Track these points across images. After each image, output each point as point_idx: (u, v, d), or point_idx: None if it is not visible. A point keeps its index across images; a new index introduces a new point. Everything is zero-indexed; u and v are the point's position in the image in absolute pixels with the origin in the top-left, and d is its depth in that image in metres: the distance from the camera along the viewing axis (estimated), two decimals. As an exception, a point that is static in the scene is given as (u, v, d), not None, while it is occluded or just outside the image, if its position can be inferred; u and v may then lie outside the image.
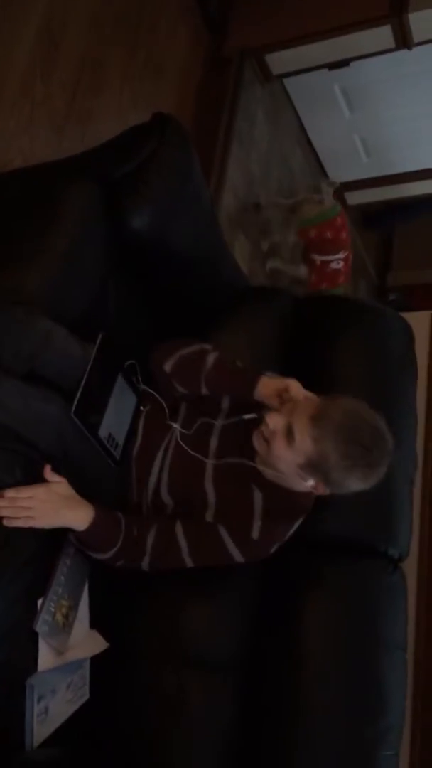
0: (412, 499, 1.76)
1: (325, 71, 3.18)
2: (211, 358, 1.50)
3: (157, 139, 1.57)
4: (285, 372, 1.78)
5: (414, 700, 1.76)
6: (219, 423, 1.52)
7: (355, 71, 3.16)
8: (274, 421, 1.36)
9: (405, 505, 1.72)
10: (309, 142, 3.67)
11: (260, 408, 1.48)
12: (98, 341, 1.41)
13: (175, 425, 1.52)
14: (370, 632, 1.54)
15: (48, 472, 1.33)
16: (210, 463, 1.47)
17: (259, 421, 1.45)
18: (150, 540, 1.42)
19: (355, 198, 4.05)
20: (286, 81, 3.32)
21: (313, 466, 1.33)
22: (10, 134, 2.08)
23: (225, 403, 1.55)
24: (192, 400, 1.57)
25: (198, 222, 1.67)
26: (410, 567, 1.78)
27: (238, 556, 1.43)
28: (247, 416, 1.48)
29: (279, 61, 3.06)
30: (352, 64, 3.10)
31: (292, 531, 1.48)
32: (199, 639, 1.50)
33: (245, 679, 1.50)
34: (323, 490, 1.38)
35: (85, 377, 1.37)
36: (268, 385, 1.45)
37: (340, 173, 3.84)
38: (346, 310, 1.97)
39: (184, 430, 1.51)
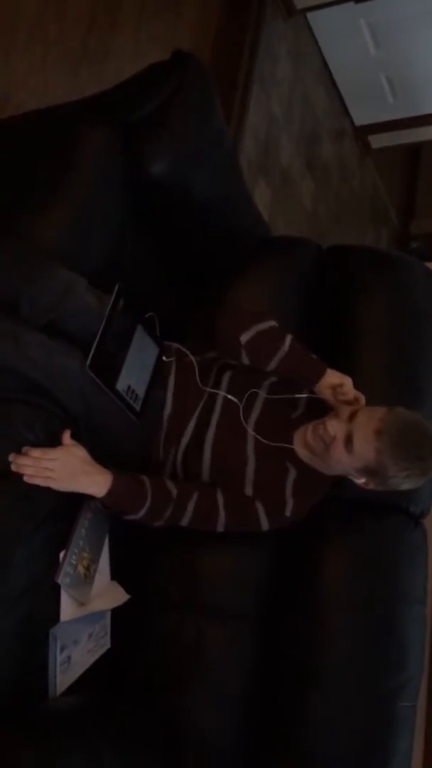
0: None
1: (350, 5, 3.04)
2: (287, 341, 1.51)
3: (178, 79, 1.49)
4: (308, 324, 1.75)
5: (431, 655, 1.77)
6: (262, 394, 1.54)
7: (382, 5, 3.02)
8: (335, 428, 1.40)
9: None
10: (333, 81, 3.52)
11: (299, 388, 1.52)
12: (114, 292, 1.37)
13: (222, 393, 1.52)
14: (390, 586, 1.53)
15: (67, 437, 1.33)
16: (253, 435, 1.49)
17: (297, 402, 1.52)
18: (191, 504, 1.44)
19: (379, 141, 3.91)
20: (310, 16, 3.17)
21: (370, 472, 1.40)
22: (23, 75, 2.00)
23: (271, 378, 1.56)
24: (237, 367, 1.56)
25: (219, 167, 1.60)
26: (431, 522, 1.77)
27: (265, 526, 1.48)
28: (298, 395, 1.53)
29: (303, -7, 2.92)
30: (379, -4, 2.96)
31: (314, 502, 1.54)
32: (219, 590, 1.52)
33: (264, 629, 1.52)
34: (374, 487, 1.44)
35: (100, 330, 1.34)
36: (328, 377, 1.49)
37: (364, 114, 3.70)
38: (371, 260, 1.90)
39: (234, 399, 1.51)
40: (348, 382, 1.49)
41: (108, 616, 1.49)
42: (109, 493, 1.35)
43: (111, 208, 1.48)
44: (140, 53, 2.38)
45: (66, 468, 1.29)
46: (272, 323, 1.54)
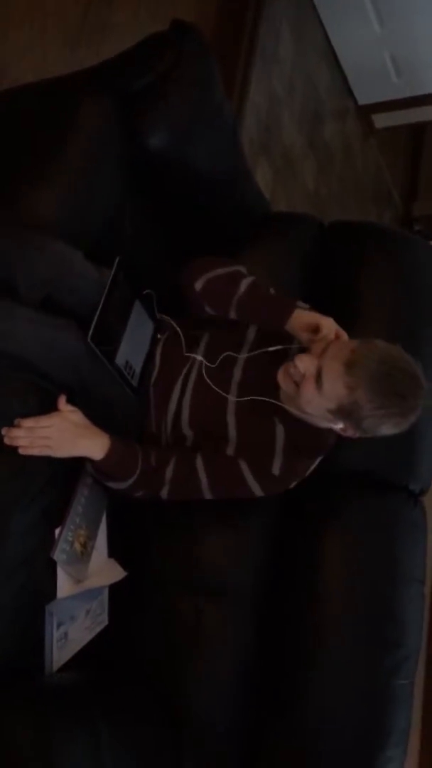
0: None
1: (355, -19, 2.98)
2: (245, 282, 1.42)
3: (177, 50, 1.47)
4: (308, 300, 1.73)
5: (430, 632, 1.77)
6: (243, 356, 1.46)
7: (387, -20, 2.96)
8: (305, 364, 1.28)
9: (427, 439, 1.68)
10: (336, 59, 3.46)
11: (288, 340, 1.43)
12: (115, 265, 1.36)
13: (198, 357, 1.47)
14: (389, 565, 1.53)
15: (62, 402, 1.31)
16: (232, 399, 1.43)
17: (284, 355, 1.40)
18: (169, 472, 1.40)
19: (383, 121, 3.85)
20: (313, -9, 3.11)
21: (344, 413, 1.27)
22: (21, 48, 1.97)
23: (251, 335, 1.48)
24: (215, 329, 1.52)
25: (219, 140, 1.58)
26: (430, 501, 1.76)
27: (257, 490, 1.41)
28: (271, 348, 1.41)
29: (306, -32, 2.86)
30: (384, -28, 2.90)
31: (313, 467, 1.46)
32: (218, 568, 1.51)
33: (264, 608, 1.51)
34: (353, 434, 1.33)
35: (101, 302, 1.32)
36: (300, 318, 1.37)
37: (368, 93, 3.64)
38: (373, 237, 1.88)
39: (207, 363, 1.46)
40: (326, 323, 1.34)
41: (106, 593, 1.48)
42: (107, 456, 1.33)
43: (109, 180, 1.46)
44: (140, 28, 2.33)
45: (63, 433, 1.27)
46: (233, 268, 1.44)
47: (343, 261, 1.78)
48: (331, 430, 1.39)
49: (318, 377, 1.26)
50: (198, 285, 1.44)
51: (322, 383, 1.25)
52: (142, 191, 1.58)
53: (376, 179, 4.10)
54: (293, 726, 1.43)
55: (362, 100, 3.72)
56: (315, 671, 1.44)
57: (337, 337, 1.35)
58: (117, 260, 1.36)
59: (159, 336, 1.54)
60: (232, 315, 1.43)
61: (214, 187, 1.61)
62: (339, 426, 1.33)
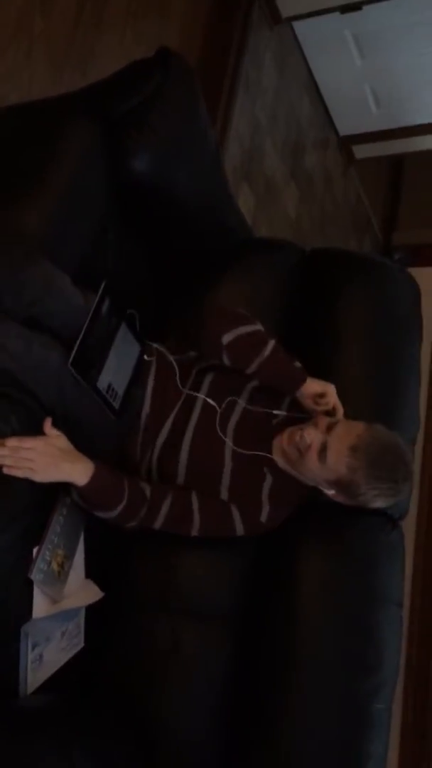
0: (413, 457, 1.74)
1: (336, 15, 3.06)
2: (269, 346, 1.51)
3: (161, 76, 1.49)
4: (289, 326, 1.75)
5: (408, 656, 1.77)
6: (242, 402, 1.53)
7: (368, 16, 3.04)
8: (312, 437, 1.39)
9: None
10: (318, 90, 3.55)
11: (281, 397, 1.53)
12: (100, 290, 1.36)
13: (202, 396, 1.51)
14: (367, 588, 1.53)
15: (48, 426, 1.31)
16: (229, 443, 1.48)
17: (284, 422, 1.50)
18: (165, 507, 1.43)
19: (363, 152, 3.94)
20: (296, 24, 3.19)
21: (341, 486, 1.39)
22: (7, 69, 1.99)
23: (250, 385, 1.55)
24: (219, 372, 1.55)
25: (202, 165, 1.60)
26: (408, 525, 1.77)
27: (240, 532, 1.48)
28: (277, 412, 1.52)
29: (289, 2, 2.93)
30: (364, 8, 2.98)
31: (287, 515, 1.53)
32: (195, 590, 1.51)
33: (240, 630, 1.50)
34: (342, 500, 1.44)
35: (84, 328, 1.32)
36: (310, 386, 1.50)
37: (348, 124, 3.73)
38: (352, 264, 1.91)
39: (217, 406, 1.50)
40: (330, 390, 1.49)
41: (82, 614, 1.46)
42: (90, 482, 1.33)
43: (93, 203, 1.47)
44: (126, 53, 2.38)
45: (46, 458, 1.27)
46: (257, 327, 1.53)
47: (321, 287, 1.81)
48: (311, 486, 1.49)
49: (322, 451, 1.37)
50: (225, 339, 1.50)
51: (326, 458, 1.37)
52: (126, 214, 1.59)
53: (357, 208, 4.18)
54: (269, 750, 1.40)
55: (343, 131, 3.80)
56: (292, 694, 1.42)
57: (335, 409, 1.49)
58: (103, 285, 1.37)
59: (146, 357, 1.55)
60: (249, 372, 1.52)
61: (197, 211, 1.64)
62: (331, 492, 1.44)
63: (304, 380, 1.50)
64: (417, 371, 1.81)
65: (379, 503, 1.41)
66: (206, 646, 1.46)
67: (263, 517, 1.47)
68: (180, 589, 1.50)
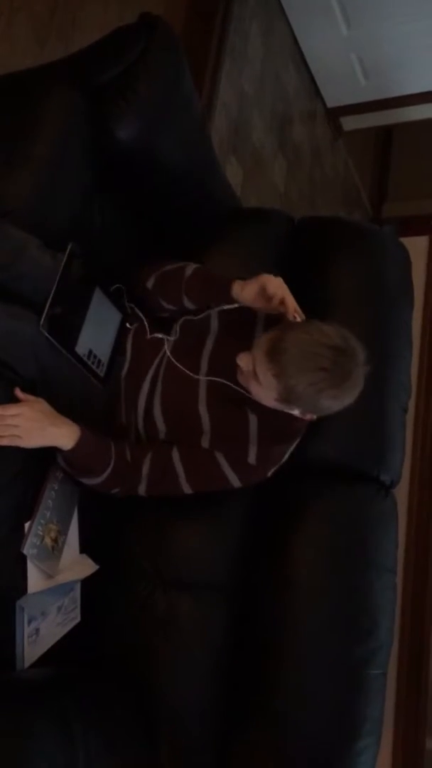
0: (405, 425, 1.74)
1: (322, -18, 3.01)
2: (189, 269, 1.47)
3: (144, 42, 1.46)
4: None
5: (402, 622, 1.78)
6: (211, 339, 1.48)
7: (354, -17, 3.00)
8: (244, 362, 1.32)
9: (398, 432, 1.70)
10: (304, 61, 3.50)
11: (251, 325, 1.46)
12: (67, 251, 1.34)
13: (161, 335, 1.48)
14: (361, 555, 1.53)
15: (20, 393, 1.29)
16: (202, 380, 1.43)
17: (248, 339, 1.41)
18: (146, 466, 1.40)
19: (351, 123, 3.90)
20: (281, -8, 3.14)
21: (285, 399, 1.30)
22: (-12, 41, 1.95)
23: (214, 324, 1.50)
24: (184, 319, 1.52)
25: (187, 133, 1.58)
26: (401, 492, 1.78)
27: (235, 481, 1.41)
28: (227, 307, 1.43)
29: (274, -31, 2.88)
30: (351, -25, 2.94)
31: (288, 453, 1.47)
32: (190, 561, 1.51)
33: (236, 600, 1.51)
34: (310, 416, 1.37)
35: (53, 289, 1.30)
36: (245, 288, 1.38)
37: (336, 96, 3.68)
38: (342, 232, 1.89)
39: (171, 338, 1.48)
40: (269, 282, 1.35)
41: (78, 589, 1.47)
42: (77, 446, 1.32)
43: (76, 172, 1.45)
44: (110, 23, 2.32)
45: (31, 422, 1.25)
46: (181, 263, 1.49)
47: (312, 255, 1.79)
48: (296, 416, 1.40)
49: (255, 372, 1.30)
50: (149, 283, 1.49)
51: (258, 377, 1.29)
52: (112, 183, 1.57)
53: (345, 181, 4.15)
54: (267, 715, 1.42)
55: (331, 103, 3.76)
56: (288, 660, 1.44)
57: (283, 303, 1.36)
58: (69, 246, 1.34)
59: (129, 326, 1.53)
60: (186, 302, 1.47)
61: (183, 179, 1.61)
62: (295, 411, 1.35)
63: (230, 282, 1.39)
64: (408, 338, 1.80)
65: (331, 401, 1.29)
66: (202, 616, 1.46)
67: (251, 458, 1.39)
68: (175, 560, 1.50)
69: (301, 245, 1.83)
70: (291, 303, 1.38)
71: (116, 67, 1.45)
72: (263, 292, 1.36)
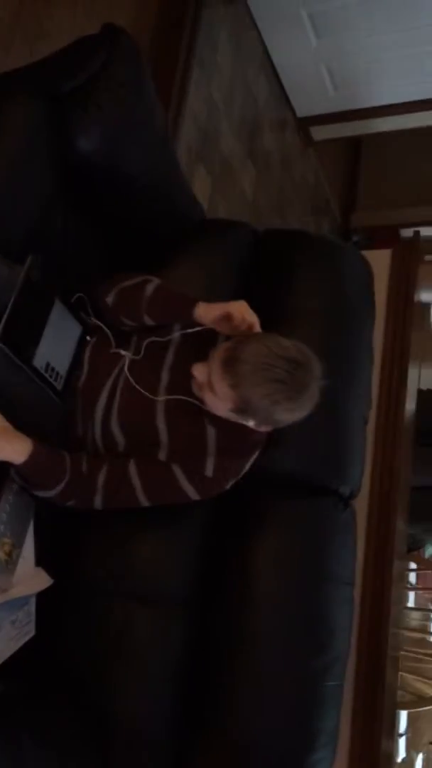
0: (365, 437, 1.76)
1: (292, -7, 3.03)
2: (150, 286, 1.46)
3: (107, 53, 1.45)
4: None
5: (360, 633, 1.80)
6: (170, 353, 1.48)
7: (323, -5, 3.02)
8: (199, 372, 1.33)
9: (358, 443, 1.72)
10: (275, 70, 3.52)
11: (212, 341, 1.44)
12: (27, 262, 1.33)
13: (124, 352, 1.48)
14: (319, 567, 1.54)
15: None
16: (161, 399, 1.43)
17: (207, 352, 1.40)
18: (101, 478, 1.39)
19: (321, 133, 3.93)
20: (251, 2, 3.15)
21: (241, 410, 1.31)
22: None
23: (176, 338, 1.49)
24: (142, 332, 1.51)
25: (150, 145, 1.57)
26: (361, 503, 1.79)
27: (193, 494, 1.41)
28: (190, 330, 1.43)
29: (243, -21, 2.90)
30: (320, -13, 2.96)
31: (248, 466, 1.47)
32: (148, 573, 1.50)
33: (194, 613, 1.51)
34: (265, 428, 1.38)
35: (12, 300, 1.29)
36: (209, 312, 1.39)
37: (306, 105, 3.71)
38: (305, 245, 1.90)
39: (134, 357, 1.46)
40: (233, 308, 1.36)
41: (32, 602, 1.45)
42: (28, 461, 1.30)
43: (36, 181, 1.43)
44: (77, 29, 2.32)
45: None
46: (141, 278, 1.48)
47: (275, 268, 1.80)
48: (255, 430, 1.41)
49: (210, 382, 1.30)
50: (110, 299, 1.48)
51: (214, 387, 1.29)
52: (74, 193, 1.56)
53: (315, 190, 4.18)
54: (223, 728, 1.43)
55: (301, 113, 3.79)
56: (244, 672, 1.44)
57: (249, 326, 1.37)
58: (30, 258, 1.33)
59: (89, 338, 1.53)
60: (147, 320, 1.46)
61: (146, 190, 1.61)
62: (251, 423, 1.36)
63: (194, 304, 1.39)
64: (369, 352, 1.82)
65: (286, 413, 1.29)
66: (159, 628, 1.46)
67: (208, 471, 1.39)
68: (133, 572, 1.49)
69: (264, 258, 1.84)
70: (256, 325, 1.39)
71: (78, 77, 1.44)
72: (228, 317, 1.37)
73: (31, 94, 1.43)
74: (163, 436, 1.42)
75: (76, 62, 1.47)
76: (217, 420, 1.41)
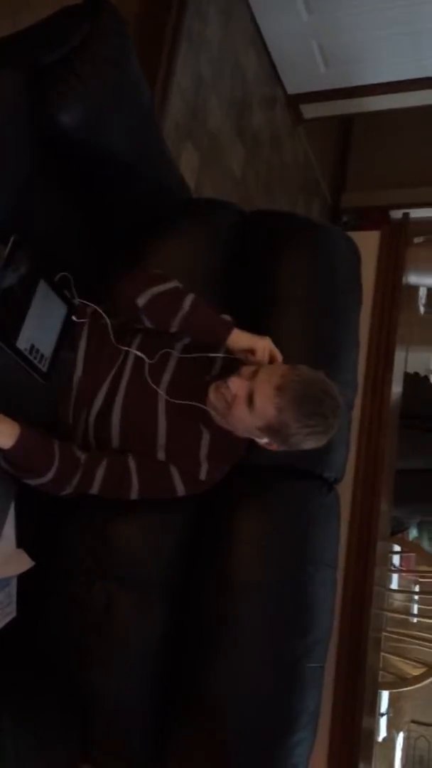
0: (350, 423, 1.75)
1: (283, -33, 2.97)
2: (188, 300, 1.47)
3: (90, 24, 1.41)
4: (228, 286, 1.72)
5: (342, 616, 1.81)
6: (176, 354, 1.50)
7: (315, -31, 2.97)
8: (237, 386, 1.37)
9: (343, 429, 1.70)
10: (265, 47, 3.46)
11: (216, 349, 1.49)
12: (10, 243, 1.30)
13: (134, 351, 1.48)
14: (301, 550, 1.55)
15: None
16: (163, 396, 1.45)
17: (212, 362, 1.48)
18: (100, 471, 1.40)
19: (312, 111, 3.87)
20: (241, -25, 3.09)
21: (272, 430, 1.37)
22: None
23: (185, 340, 1.52)
24: (147, 330, 1.51)
25: (135, 120, 1.53)
26: (345, 487, 1.79)
27: (181, 492, 1.46)
28: (212, 355, 1.49)
29: None
30: (312, -40, 2.90)
31: (229, 468, 1.53)
32: (130, 557, 1.50)
33: (176, 595, 1.51)
34: (276, 447, 1.42)
35: None
36: (239, 340, 1.46)
37: (296, 83, 3.65)
38: (291, 227, 1.88)
39: (147, 358, 1.47)
40: (260, 345, 1.45)
41: (13, 584, 1.44)
42: (17, 444, 1.29)
43: (16, 160, 1.39)
44: (61, 2, 2.26)
45: None
46: (172, 284, 1.49)
47: (261, 249, 1.78)
48: (247, 440, 1.48)
49: (249, 398, 1.35)
50: (141, 301, 1.46)
51: (254, 404, 1.34)
52: (55, 170, 1.52)
53: (305, 169, 4.13)
54: (204, 710, 1.44)
55: (291, 90, 3.73)
56: (226, 655, 1.45)
57: (272, 358, 1.46)
58: (12, 238, 1.31)
59: (75, 319, 1.50)
60: (173, 329, 1.48)
61: (130, 167, 1.57)
62: (264, 441, 1.42)
63: (229, 331, 1.46)
64: (355, 336, 1.81)
65: (311, 443, 1.38)
66: (141, 612, 1.46)
67: (202, 475, 1.46)
68: (116, 555, 1.49)
69: (251, 239, 1.81)
70: (279, 359, 1.48)
71: (60, 49, 1.40)
72: (251, 350, 1.45)
73: (11, 66, 1.39)
74: (162, 435, 1.45)
75: (58, 34, 1.43)
76: (212, 426, 1.47)
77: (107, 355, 1.49)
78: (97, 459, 1.42)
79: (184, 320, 1.46)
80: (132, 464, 1.43)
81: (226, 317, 1.51)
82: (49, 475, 1.36)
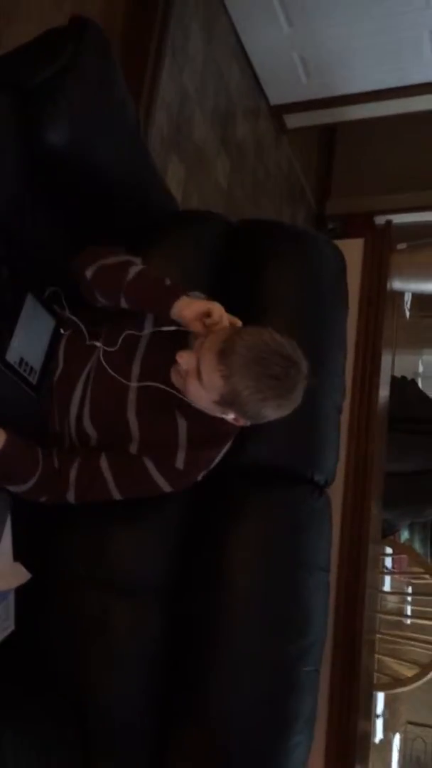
0: (339, 426, 1.78)
1: (263, -20, 3.02)
2: (134, 270, 1.41)
3: (75, 45, 1.44)
4: (216, 297, 1.75)
5: (335, 619, 1.83)
6: (143, 343, 1.46)
7: (295, -18, 3.02)
8: (185, 360, 1.30)
9: (332, 433, 1.73)
10: (247, 59, 3.51)
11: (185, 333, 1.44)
12: None
13: (98, 344, 1.46)
14: (294, 554, 1.56)
15: None
16: (133, 386, 1.42)
17: (181, 346, 1.40)
18: (73, 473, 1.39)
19: (295, 121, 3.94)
20: (223, -10, 3.14)
21: (227, 402, 1.29)
22: None
23: (147, 328, 1.48)
24: (115, 319, 1.51)
25: (121, 137, 1.56)
26: (336, 491, 1.82)
27: (165, 486, 1.42)
28: (165, 328, 1.41)
29: (214, -33, 2.88)
30: (291, -26, 2.96)
31: (219, 457, 1.48)
32: (125, 563, 1.51)
33: (171, 601, 1.52)
34: (244, 422, 1.37)
35: None
36: (189, 307, 1.35)
37: (279, 93, 3.70)
38: (279, 236, 1.91)
39: (107, 348, 1.45)
40: (216, 308, 1.34)
41: (11, 598, 1.45)
42: (2, 452, 1.30)
43: (4, 178, 1.42)
44: (46, 18, 2.29)
45: None
46: (125, 258, 1.44)
47: (248, 258, 1.81)
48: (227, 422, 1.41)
49: (198, 371, 1.28)
50: (89, 273, 1.44)
51: (202, 376, 1.27)
52: (43, 189, 1.55)
53: (290, 178, 4.19)
54: (200, 714, 1.45)
55: (274, 101, 3.79)
56: (222, 660, 1.46)
57: (232, 324, 1.36)
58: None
59: (62, 332, 1.52)
60: (123, 303, 1.42)
61: (117, 183, 1.60)
62: (230, 416, 1.35)
63: (176, 295, 1.35)
64: (342, 341, 1.84)
65: (270, 411, 1.28)
66: (136, 618, 1.48)
67: (179, 463, 1.39)
68: (109, 566, 1.50)
69: (238, 249, 1.84)
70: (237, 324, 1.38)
71: (46, 70, 1.42)
72: (207, 313, 1.35)
73: (0, 88, 1.42)
74: (134, 428, 1.42)
75: (45, 55, 1.45)
76: (188, 412, 1.41)
77: (80, 357, 1.48)
78: (69, 460, 1.39)
79: (128, 290, 1.38)
80: (104, 461, 1.39)
81: (177, 285, 1.41)
82: (31, 483, 1.37)
